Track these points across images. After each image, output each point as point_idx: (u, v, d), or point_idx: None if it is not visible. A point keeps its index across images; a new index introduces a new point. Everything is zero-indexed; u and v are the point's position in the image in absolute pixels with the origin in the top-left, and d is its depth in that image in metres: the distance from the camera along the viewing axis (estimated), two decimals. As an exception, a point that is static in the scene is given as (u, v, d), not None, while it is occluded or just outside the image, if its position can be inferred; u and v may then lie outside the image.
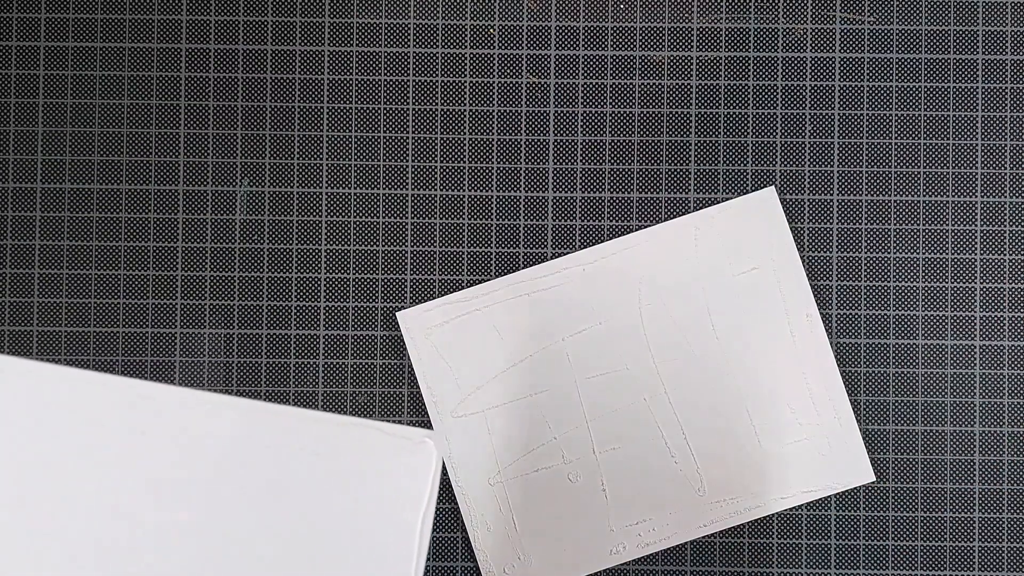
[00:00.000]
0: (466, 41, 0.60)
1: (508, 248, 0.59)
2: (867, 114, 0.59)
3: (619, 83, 0.60)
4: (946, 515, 0.58)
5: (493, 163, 0.59)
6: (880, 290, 0.59)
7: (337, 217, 0.59)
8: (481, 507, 0.58)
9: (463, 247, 0.59)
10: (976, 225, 0.59)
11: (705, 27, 0.60)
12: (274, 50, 0.60)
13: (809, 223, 0.59)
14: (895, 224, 0.59)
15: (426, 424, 0.59)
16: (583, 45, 0.60)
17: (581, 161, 0.59)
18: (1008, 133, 0.59)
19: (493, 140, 0.60)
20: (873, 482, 0.58)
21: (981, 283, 0.59)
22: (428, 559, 0.59)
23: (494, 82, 0.60)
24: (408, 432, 0.44)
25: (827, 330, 0.59)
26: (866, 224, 0.59)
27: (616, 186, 0.59)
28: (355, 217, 0.59)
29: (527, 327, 0.59)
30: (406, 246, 0.59)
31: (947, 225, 0.59)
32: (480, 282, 0.59)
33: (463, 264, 0.59)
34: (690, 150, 0.59)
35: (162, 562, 0.43)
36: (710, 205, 0.59)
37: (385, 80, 0.60)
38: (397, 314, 0.59)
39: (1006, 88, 0.59)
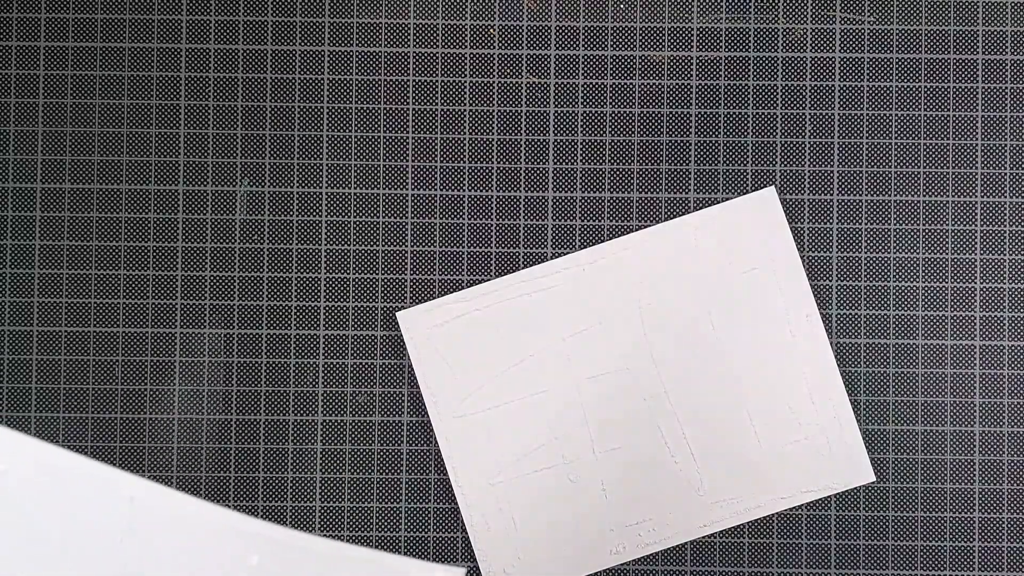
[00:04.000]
0: (466, 41, 0.60)
1: (508, 248, 0.59)
2: (867, 114, 0.59)
3: (619, 83, 0.60)
4: (946, 515, 0.58)
5: (493, 163, 0.59)
6: (880, 290, 0.59)
7: (337, 217, 0.59)
8: (481, 507, 0.58)
9: (463, 247, 0.59)
10: (976, 225, 0.59)
11: (705, 27, 0.60)
12: (274, 50, 0.60)
13: (809, 223, 0.59)
14: (895, 224, 0.59)
15: (426, 424, 0.59)
16: (583, 45, 0.60)
17: (581, 161, 0.59)
18: (1008, 133, 0.59)
19: (493, 140, 0.60)
20: (873, 482, 0.58)
21: (981, 283, 0.59)
22: (428, 559, 0.59)
23: (494, 82, 0.60)
24: (434, 570, 0.43)
25: (827, 330, 0.59)
26: (866, 224, 0.59)
27: (616, 186, 0.59)
28: (355, 217, 0.59)
29: (527, 327, 0.59)
30: (406, 246, 0.59)
31: (947, 225, 0.59)
32: (480, 282, 0.59)
33: (463, 264, 0.59)
34: (690, 150, 0.59)
35: None
36: (710, 205, 0.59)
37: (385, 80, 0.60)
38: (397, 314, 0.59)
39: (1006, 88, 0.59)
